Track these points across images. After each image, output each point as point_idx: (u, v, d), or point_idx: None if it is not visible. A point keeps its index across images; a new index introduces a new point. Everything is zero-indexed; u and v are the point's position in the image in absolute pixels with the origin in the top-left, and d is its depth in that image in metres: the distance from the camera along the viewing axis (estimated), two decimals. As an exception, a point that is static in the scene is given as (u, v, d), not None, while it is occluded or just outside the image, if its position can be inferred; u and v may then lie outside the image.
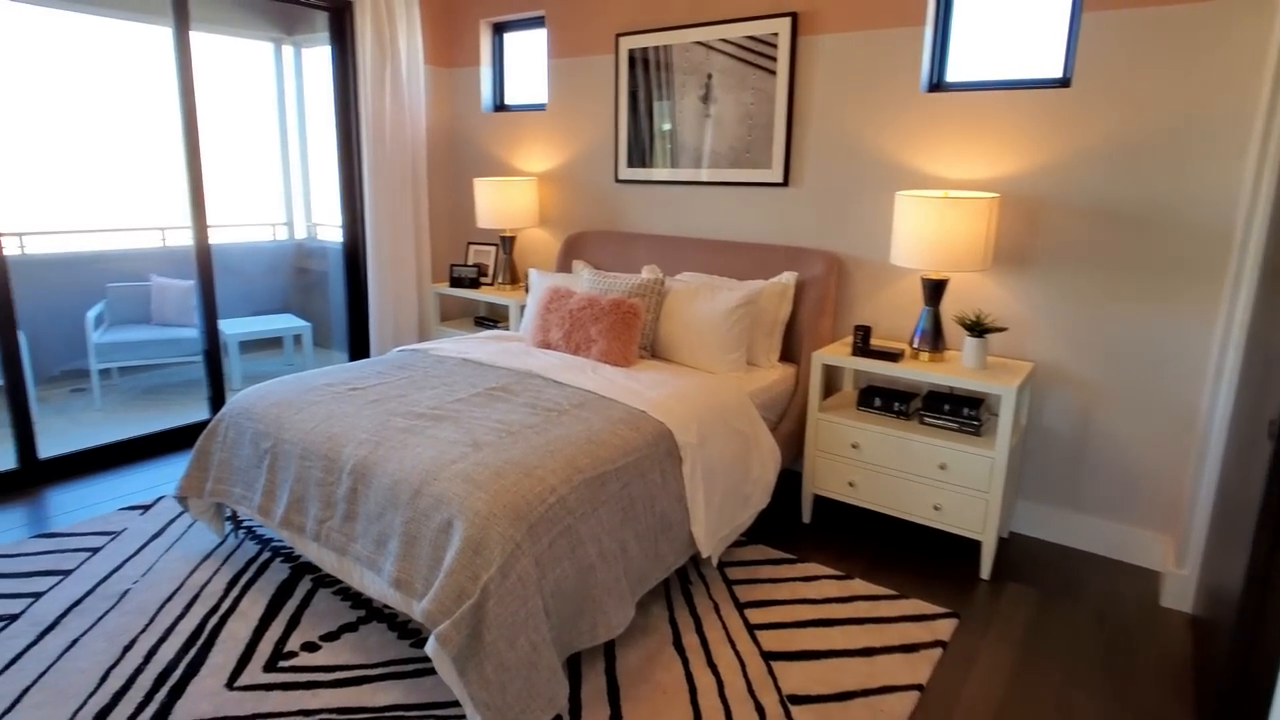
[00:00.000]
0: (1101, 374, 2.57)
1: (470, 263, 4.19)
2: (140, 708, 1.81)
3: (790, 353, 3.06)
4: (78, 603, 2.23)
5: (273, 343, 5.43)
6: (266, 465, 2.28)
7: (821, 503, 3.02)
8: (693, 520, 2.25)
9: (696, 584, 2.40)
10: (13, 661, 1.97)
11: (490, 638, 1.65)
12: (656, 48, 3.43)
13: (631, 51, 3.51)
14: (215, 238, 3.55)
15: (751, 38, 3.14)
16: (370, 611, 2.22)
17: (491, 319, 4.13)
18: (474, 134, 4.29)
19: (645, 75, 3.49)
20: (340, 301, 4.88)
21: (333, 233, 5.66)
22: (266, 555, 2.52)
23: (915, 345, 2.66)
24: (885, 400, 2.70)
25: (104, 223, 5.41)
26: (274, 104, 5.75)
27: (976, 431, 2.52)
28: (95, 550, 2.54)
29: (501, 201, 3.83)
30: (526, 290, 3.90)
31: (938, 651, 2.09)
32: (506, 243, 3.98)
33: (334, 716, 1.80)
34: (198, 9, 3.31)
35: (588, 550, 1.89)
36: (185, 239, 5.32)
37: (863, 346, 2.69)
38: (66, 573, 2.40)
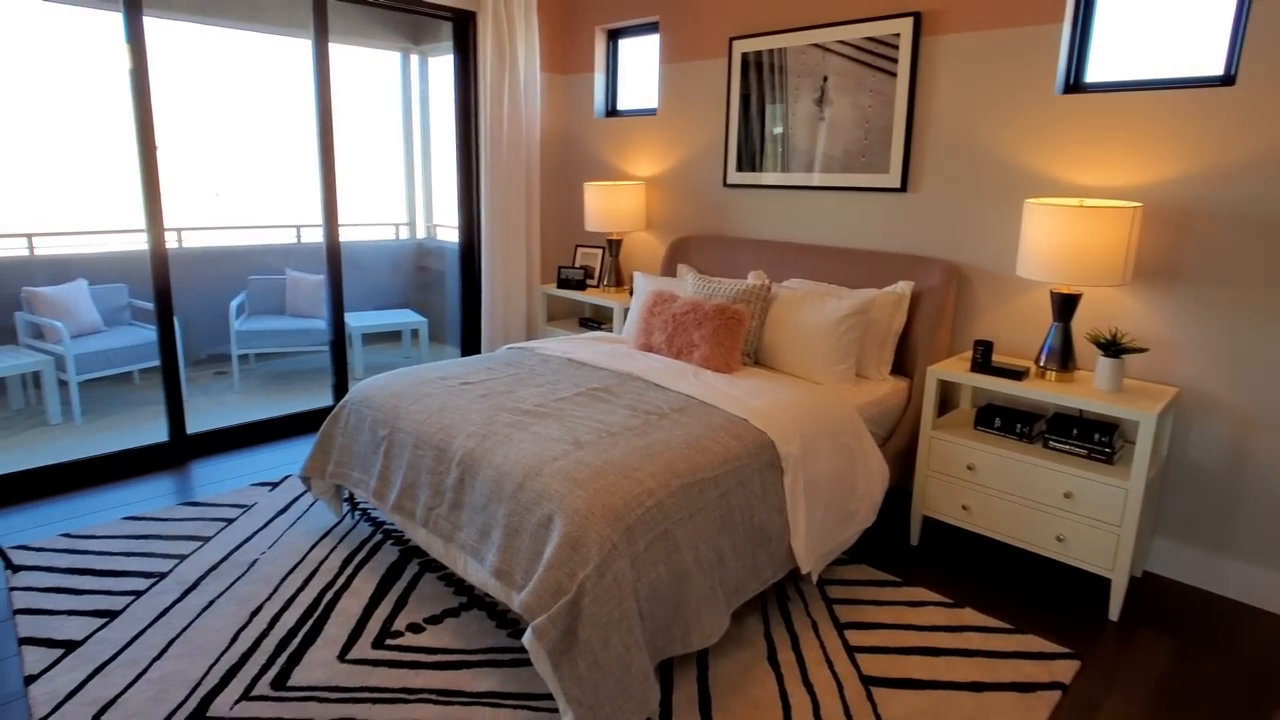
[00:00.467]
0: (1259, 403, 2.31)
1: (577, 265, 4.27)
2: (264, 669, 1.95)
3: (903, 366, 2.94)
4: (214, 567, 2.43)
5: (392, 336, 5.74)
6: (382, 452, 2.41)
7: (931, 525, 2.87)
8: (793, 534, 2.19)
9: (794, 600, 2.33)
10: (162, 614, 2.17)
11: (585, 635, 1.66)
12: (770, 50, 3.38)
13: (745, 55, 3.48)
14: (343, 236, 3.79)
15: (871, 39, 3.04)
16: (471, 599, 2.30)
17: (595, 320, 4.19)
18: (585, 139, 4.38)
19: (758, 78, 3.45)
20: (455, 299, 5.10)
21: (450, 233, 5.93)
22: (379, 537, 2.66)
23: (1041, 363, 2.49)
24: (1006, 421, 2.54)
25: (247, 220, 5.89)
26: (399, 110, 6.08)
27: (1109, 459, 2.33)
28: (230, 521, 2.76)
29: (609, 205, 3.89)
30: (631, 293, 3.94)
31: (1056, 694, 1.94)
32: (613, 246, 4.04)
33: (434, 697, 1.87)
34: (336, 22, 3.54)
35: (684, 556, 1.87)
36: (317, 237, 5.72)
37: (983, 362, 2.54)
38: (206, 539, 2.61)
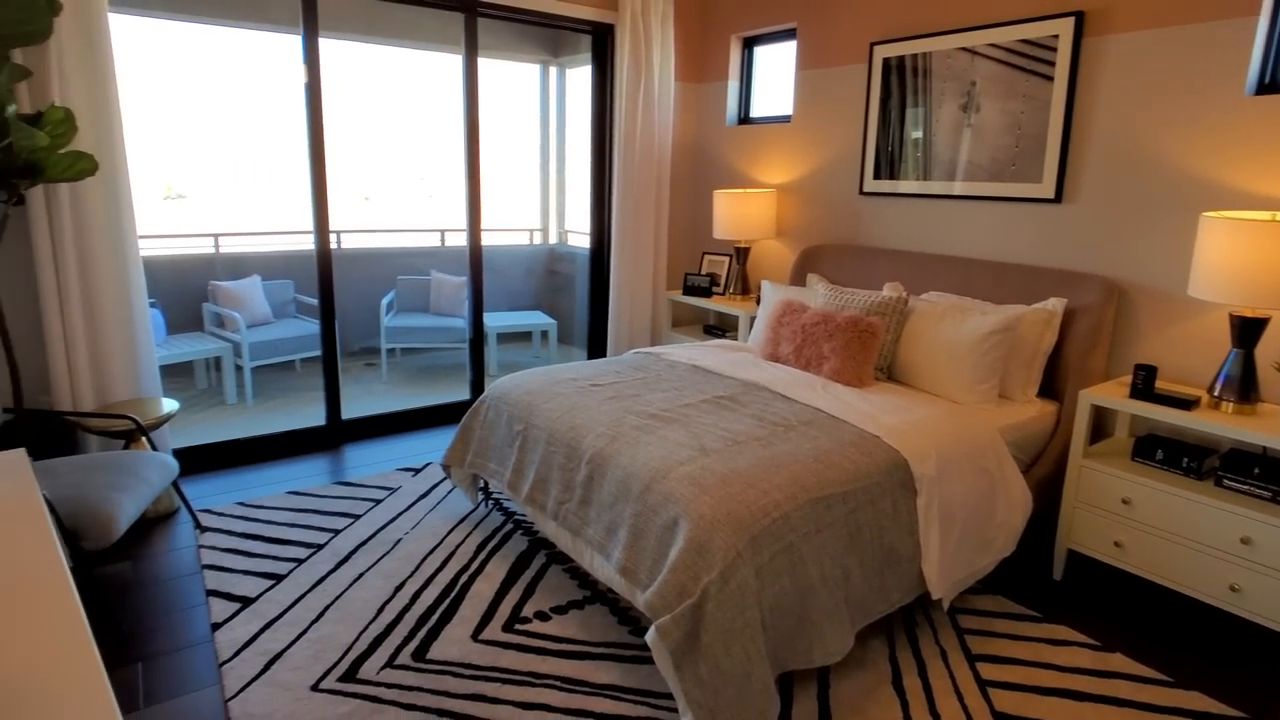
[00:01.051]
0: None
1: (704, 272, 4.31)
2: (406, 640, 2.11)
3: (1052, 388, 2.76)
4: (363, 543, 2.65)
5: (522, 336, 6.01)
6: (517, 446, 2.54)
7: (1078, 560, 2.68)
8: (924, 557, 2.11)
9: (922, 625, 2.25)
10: (319, 582, 2.39)
11: (707, 639, 1.68)
12: (914, 55, 3.27)
13: (886, 60, 3.38)
14: (483, 240, 4.01)
15: (1026, 41, 2.87)
16: (595, 593, 2.37)
17: (720, 328, 4.20)
18: (716, 146, 4.40)
19: (899, 84, 3.35)
20: (583, 302, 5.28)
21: (581, 239, 6.14)
22: (510, 527, 2.80)
23: (1216, 393, 2.26)
24: (1170, 454, 2.32)
25: (397, 224, 6.34)
26: (537, 120, 6.36)
27: (1296, 503, 2.08)
28: (377, 501, 2.99)
29: (739, 213, 3.89)
30: (758, 302, 3.92)
31: (1223, 758, 1.76)
32: (741, 253, 4.04)
33: (559, 684, 1.95)
34: (483, 37, 3.76)
35: (809, 570, 1.85)
36: (460, 241, 6.08)
37: (1144, 389, 2.35)
38: (356, 517, 2.85)
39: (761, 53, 4.26)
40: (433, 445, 3.65)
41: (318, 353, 4.34)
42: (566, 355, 5.83)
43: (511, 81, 6.47)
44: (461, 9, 3.62)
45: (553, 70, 6.25)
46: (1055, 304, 2.69)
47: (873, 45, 3.43)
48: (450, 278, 5.35)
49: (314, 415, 3.77)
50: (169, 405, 2.83)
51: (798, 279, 3.72)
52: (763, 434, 2.22)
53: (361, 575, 2.45)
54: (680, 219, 4.58)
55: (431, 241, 6.39)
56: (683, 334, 4.26)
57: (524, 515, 2.89)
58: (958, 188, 3.17)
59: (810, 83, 3.80)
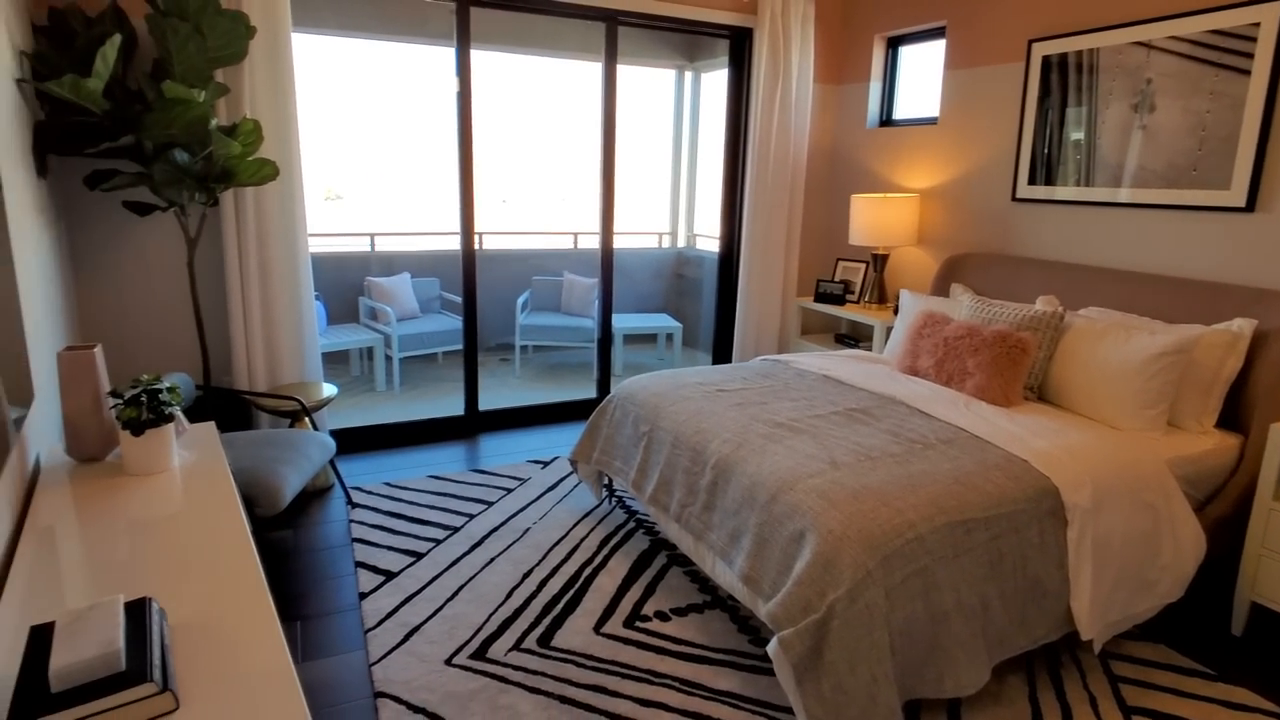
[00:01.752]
0: None
1: (837, 279, 4.19)
2: (532, 626, 2.20)
3: (1234, 419, 2.47)
4: (495, 530, 2.78)
5: (648, 338, 6.10)
6: (643, 446, 2.58)
7: (1262, 614, 2.38)
8: (1073, 594, 1.95)
9: (1068, 667, 2.08)
10: (454, 563, 2.54)
11: (830, 657, 1.64)
12: (1079, 51, 3.03)
13: (1046, 57, 3.16)
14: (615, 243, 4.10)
15: (1216, 32, 2.59)
16: (715, 598, 2.37)
17: (853, 337, 4.08)
18: (855, 150, 4.27)
19: (1060, 83, 3.11)
20: (710, 306, 5.28)
21: (709, 243, 6.14)
22: (632, 524, 2.85)
23: None
24: (1384, 500, 2.02)
25: (533, 226, 6.61)
26: (670, 125, 6.42)
27: None
28: (509, 490, 3.13)
29: (878, 218, 3.76)
30: (895, 312, 3.77)
31: None
32: (878, 260, 3.90)
33: (678, 685, 1.96)
34: (622, 44, 3.84)
35: (943, 597, 1.76)
36: (591, 243, 6.26)
37: (1354, 424, 2.05)
38: (489, 504, 3.00)
39: (906, 52, 4.09)
40: (561, 440, 3.78)
41: (459, 346, 4.61)
42: (691, 359, 5.85)
43: (647, 87, 6.58)
44: (603, 18, 3.73)
45: (688, 74, 6.30)
46: (1242, 325, 2.41)
47: (1031, 42, 3.21)
48: (581, 279, 5.51)
49: (453, 405, 4.01)
50: (329, 390, 3.09)
51: (940, 289, 3.54)
52: (898, 450, 2.13)
53: (493, 560, 2.57)
54: (813, 224, 4.48)
55: (564, 244, 6.61)
56: (812, 342, 4.17)
57: (647, 515, 2.93)
58: (1124, 194, 2.91)
59: (959, 83, 3.61)
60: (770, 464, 2.07)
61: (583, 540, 2.73)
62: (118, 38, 2.11)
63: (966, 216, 3.63)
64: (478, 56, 3.47)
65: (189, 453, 1.78)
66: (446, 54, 3.50)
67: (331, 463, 2.91)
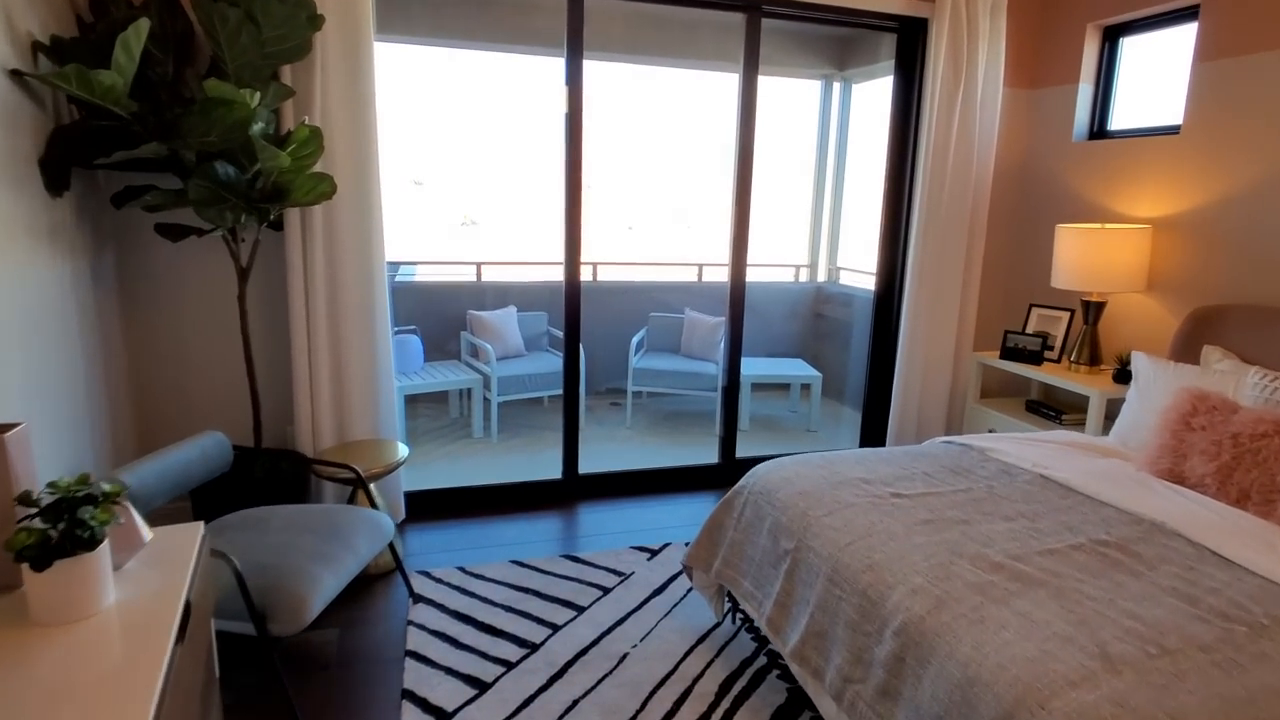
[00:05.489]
0: None
1: (1032, 331, 3.29)
2: (617, 841, 1.53)
3: None
4: (583, 652, 2.15)
5: (779, 386, 5.33)
6: (784, 570, 1.86)
7: None
8: None
9: None
10: (525, 704, 1.92)
11: None
12: None
13: (1387, 32, 2.20)
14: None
15: None
16: (886, 819, 1.61)
17: (1051, 407, 3.16)
18: (1055, 168, 3.38)
19: None
20: (858, 354, 4.46)
21: (856, 278, 5.32)
22: (763, 661, 2.13)
23: None
24: None
25: (654, 257, 6.02)
26: (814, 143, 5.68)
27: None
28: (606, 590, 2.50)
29: (1093, 255, 2.86)
30: (1115, 378, 2.85)
31: None
32: (1090, 309, 2.99)
33: None
34: (761, 50, 3.19)
35: None
36: (717, 276, 5.59)
37: None
38: (581, 609, 2.38)
39: (1130, 44, 3.19)
40: (673, 519, 3.11)
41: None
42: (832, 413, 5.03)
43: (785, 101, 5.88)
44: (744, 8, 3.09)
45: (835, 85, 5.55)
46: None
47: (1359, 11, 2.26)
48: (705, 317, 4.85)
49: (551, 462, 3.45)
50: (401, 451, 2.60)
51: (1184, 351, 2.60)
52: (1209, 637, 1.31)
53: (576, 704, 1.93)
54: (998, 259, 3.61)
55: (687, 275, 5.99)
56: (993, 408, 3.29)
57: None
58: None
59: (1217, 77, 2.68)
60: (996, 648, 1.31)
61: (697, 680, 2.03)
62: (144, 23, 1.70)
63: (1223, 255, 2.67)
64: (591, 67, 2.93)
65: (150, 575, 1.26)
66: (555, 64, 2.99)
67: (392, 545, 2.39)
